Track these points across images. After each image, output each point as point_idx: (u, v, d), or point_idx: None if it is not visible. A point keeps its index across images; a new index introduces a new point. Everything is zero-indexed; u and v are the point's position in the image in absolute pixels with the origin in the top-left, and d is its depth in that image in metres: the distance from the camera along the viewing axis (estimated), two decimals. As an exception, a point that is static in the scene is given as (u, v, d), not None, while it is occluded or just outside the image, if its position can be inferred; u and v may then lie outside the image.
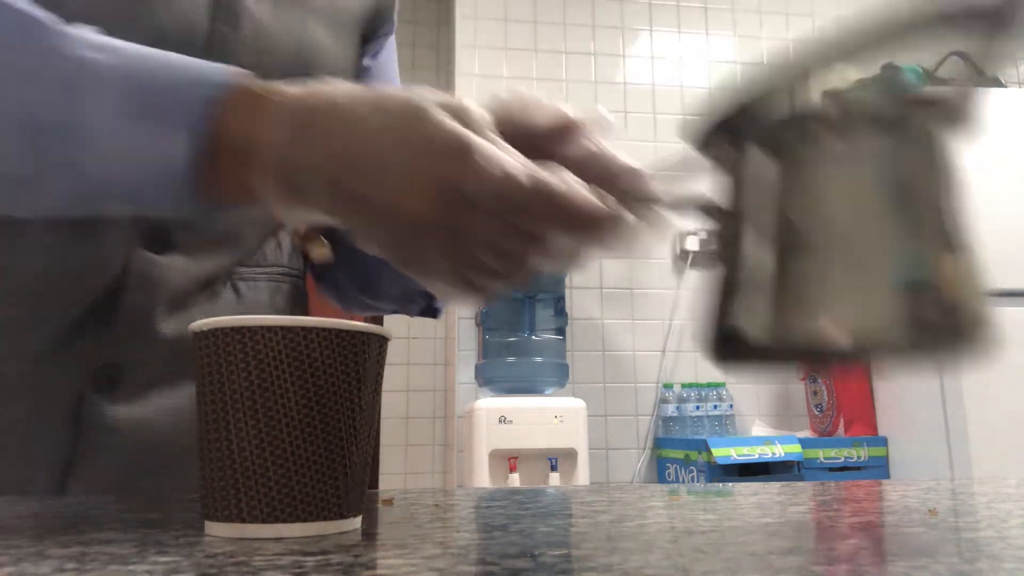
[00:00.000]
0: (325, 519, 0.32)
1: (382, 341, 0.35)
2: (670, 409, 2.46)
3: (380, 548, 0.29)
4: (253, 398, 0.31)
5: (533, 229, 0.37)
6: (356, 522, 0.34)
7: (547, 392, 2.27)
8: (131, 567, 0.25)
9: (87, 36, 0.41)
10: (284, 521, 0.31)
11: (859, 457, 2.21)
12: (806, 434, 2.43)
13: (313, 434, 0.32)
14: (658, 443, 2.48)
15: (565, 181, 0.36)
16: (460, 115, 0.37)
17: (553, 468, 2.09)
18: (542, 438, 2.08)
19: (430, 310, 0.73)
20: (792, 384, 2.60)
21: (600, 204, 0.37)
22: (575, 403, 2.14)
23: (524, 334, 2.30)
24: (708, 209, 0.38)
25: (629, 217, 0.39)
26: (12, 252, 0.54)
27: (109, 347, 0.55)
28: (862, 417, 2.32)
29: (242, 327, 0.32)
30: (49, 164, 0.40)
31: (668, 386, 2.51)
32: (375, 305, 0.75)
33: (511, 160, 0.36)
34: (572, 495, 0.48)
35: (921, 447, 2.12)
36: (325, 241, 0.65)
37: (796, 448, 2.12)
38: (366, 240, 0.38)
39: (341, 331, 0.33)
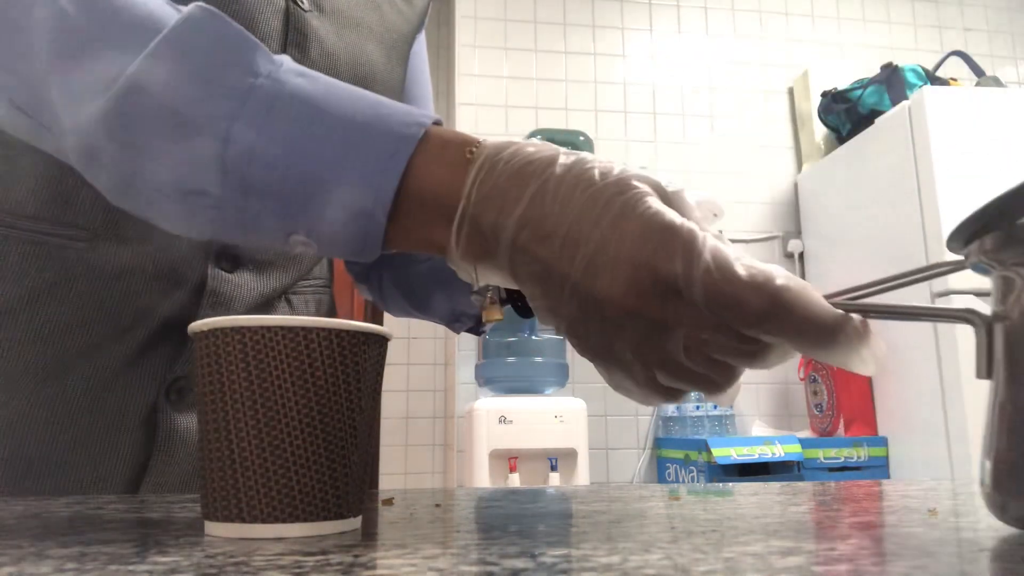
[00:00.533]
0: (325, 519, 0.32)
1: (382, 341, 0.35)
2: (670, 409, 2.46)
3: (380, 548, 0.29)
4: (253, 398, 0.31)
5: (753, 333, 0.31)
6: (356, 522, 0.34)
7: (547, 392, 2.27)
8: (131, 567, 0.25)
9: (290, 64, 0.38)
10: (284, 521, 0.31)
11: (859, 457, 2.21)
12: (806, 434, 2.43)
13: (313, 434, 0.32)
14: (658, 443, 2.48)
15: (793, 280, 0.31)
16: (674, 202, 0.34)
17: (553, 468, 2.09)
18: (542, 438, 2.07)
19: (475, 329, 0.73)
20: (792, 384, 2.60)
21: (835, 311, 0.31)
22: (575, 403, 2.14)
23: (524, 334, 2.30)
24: (972, 319, 0.32)
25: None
26: (93, 274, 0.55)
27: (182, 361, 0.58)
28: (862, 417, 2.32)
29: (242, 327, 0.32)
30: (256, 193, 0.36)
31: (668, 386, 2.51)
32: (420, 316, 0.76)
33: (734, 254, 0.31)
34: (572, 495, 0.48)
35: (921, 447, 2.12)
36: (501, 308, 0.63)
37: (796, 448, 2.12)
38: (547, 316, 0.35)
39: (341, 331, 0.33)
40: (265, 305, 0.63)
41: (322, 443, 0.32)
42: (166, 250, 0.56)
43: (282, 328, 0.32)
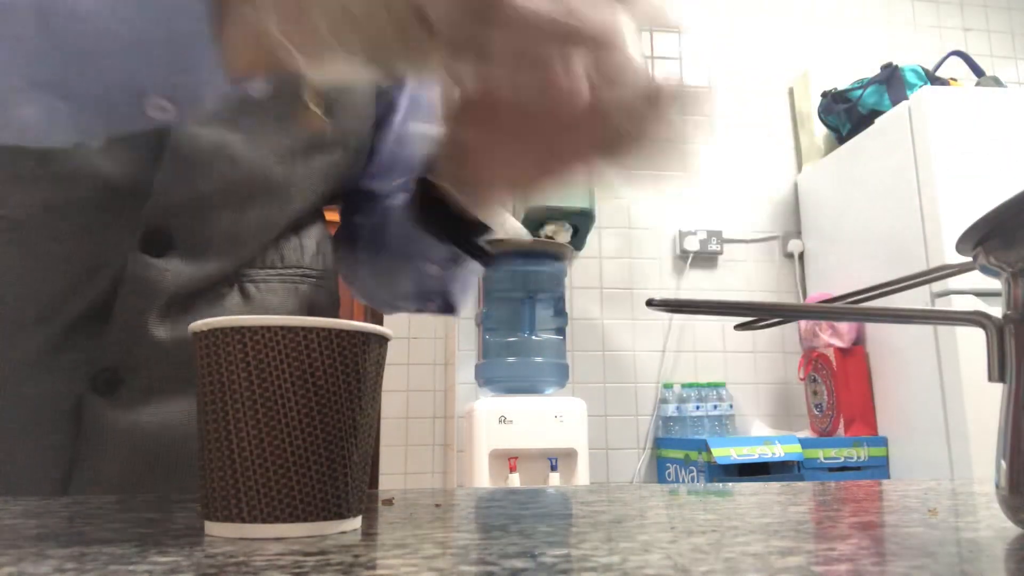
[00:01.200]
0: (325, 519, 0.32)
1: (382, 341, 0.35)
2: (670, 409, 2.46)
3: (380, 548, 0.29)
4: (253, 398, 0.31)
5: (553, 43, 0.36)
6: (356, 522, 0.34)
7: (547, 392, 2.27)
8: (131, 567, 0.25)
9: None
10: (284, 521, 0.31)
11: (859, 457, 2.21)
12: (806, 434, 2.43)
13: (313, 434, 0.32)
14: (658, 443, 2.48)
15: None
16: None
17: (553, 468, 2.09)
18: (542, 438, 2.07)
19: (447, 306, 0.74)
20: (792, 384, 2.60)
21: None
22: (575, 403, 2.14)
23: (524, 334, 2.30)
24: (982, 321, 0.32)
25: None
26: (8, 254, 0.54)
27: (107, 351, 0.55)
28: (862, 417, 2.32)
29: (242, 327, 0.32)
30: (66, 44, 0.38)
31: (668, 386, 2.51)
32: (399, 305, 0.77)
33: None
34: (572, 495, 0.48)
35: (921, 447, 2.12)
36: (318, 111, 0.63)
37: (796, 448, 2.12)
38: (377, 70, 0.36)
39: (341, 331, 0.33)
40: (207, 292, 0.59)
41: (322, 443, 0.32)
42: (89, 233, 0.55)
43: (282, 328, 0.32)
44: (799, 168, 2.79)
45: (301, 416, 0.32)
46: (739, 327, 0.42)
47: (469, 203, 0.52)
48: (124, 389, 0.55)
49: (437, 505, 0.43)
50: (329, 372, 0.32)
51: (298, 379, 0.32)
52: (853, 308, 0.32)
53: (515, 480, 2.05)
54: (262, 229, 0.63)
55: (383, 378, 0.36)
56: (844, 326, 2.35)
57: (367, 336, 0.34)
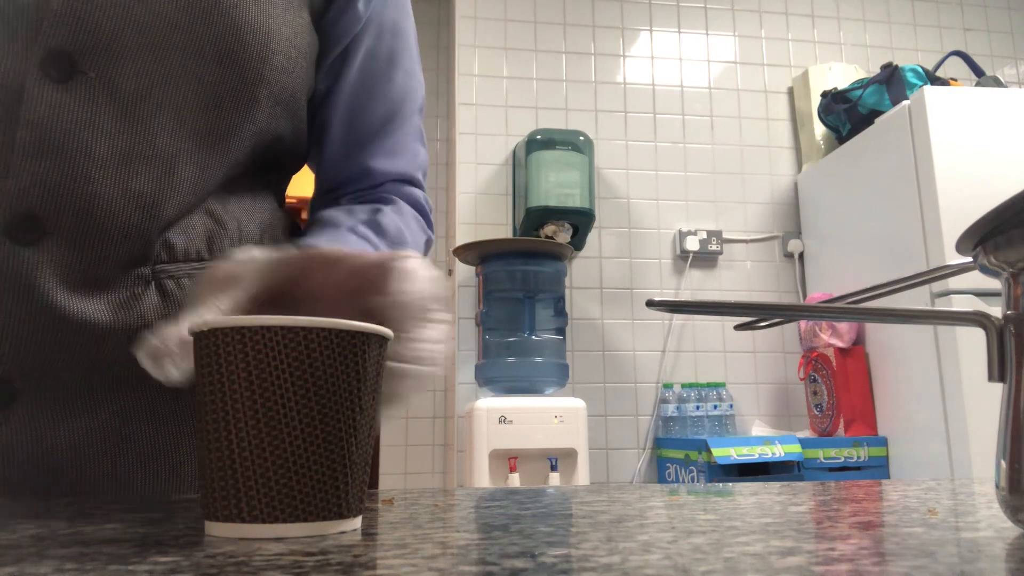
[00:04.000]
0: (325, 519, 0.32)
1: (382, 341, 0.35)
2: (670, 409, 2.46)
3: (380, 548, 0.29)
4: (253, 398, 0.31)
5: None
6: (356, 522, 0.34)
7: (547, 392, 2.27)
8: (131, 567, 0.24)
9: None
10: (284, 521, 0.31)
11: (859, 457, 2.21)
12: (806, 434, 2.43)
13: (313, 434, 0.32)
14: (658, 443, 2.48)
15: None
16: None
17: (553, 468, 2.09)
18: (542, 438, 2.08)
19: None
20: (792, 384, 2.60)
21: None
22: (575, 403, 2.14)
23: (524, 334, 2.30)
24: (983, 322, 0.32)
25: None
26: None
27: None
28: (862, 417, 2.32)
29: (242, 327, 0.32)
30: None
31: (668, 386, 2.51)
32: None
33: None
34: (572, 495, 0.48)
35: (921, 447, 2.12)
36: None
37: (796, 448, 2.13)
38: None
39: (341, 331, 0.33)
40: (107, 291, 0.53)
41: (322, 443, 0.32)
42: None
43: (282, 328, 0.32)
44: (799, 168, 2.80)
45: (301, 416, 0.32)
46: (739, 327, 0.42)
47: None
48: (21, 402, 0.51)
49: (437, 505, 0.43)
50: (329, 372, 0.32)
51: (298, 379, 0.32)
52: (853, 308, 0.32)
53: (515, 480, 2.05)
54: (173, 195, 0.55)
55: (383, 377, 0.36)
56: (844, 326, 2.35)
57: (367, 336, 0.34)
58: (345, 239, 0.60)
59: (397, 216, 0.67)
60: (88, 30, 0.51)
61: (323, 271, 0.46)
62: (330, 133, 0.69)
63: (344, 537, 0.31)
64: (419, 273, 0.43)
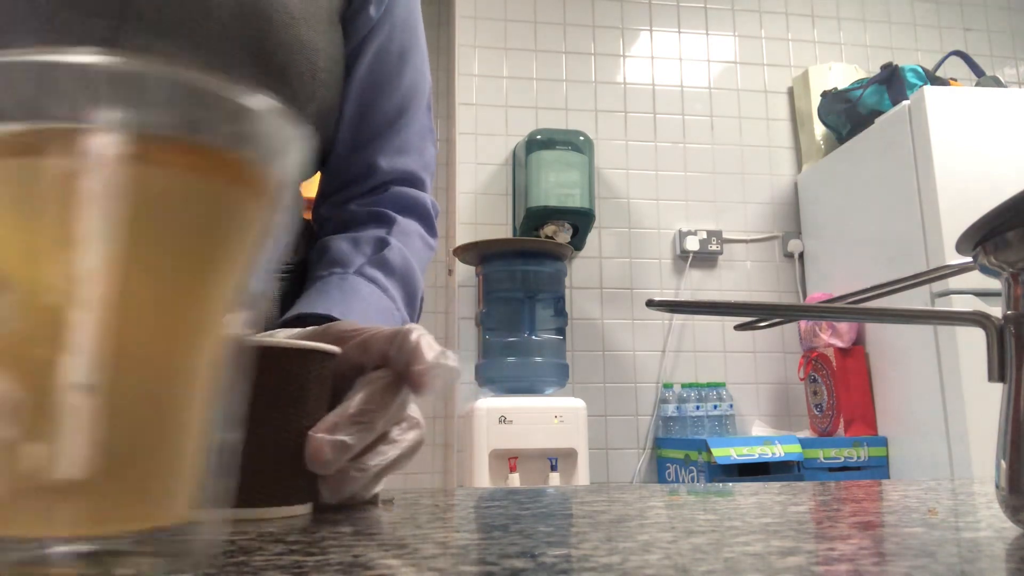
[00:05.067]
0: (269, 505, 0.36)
1: (324, 357, 0.39)
2: (670, 409, 2.46)
3: (380, 548, 0.29)
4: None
5: None
6: (292, 511, 0.37)
7: (547, 392, 2.27)
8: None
9: None
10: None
11: (859, 457, 2.21)
12: (806, 434, 2.43)
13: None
14: (658, 443, 2.48)
15: None
16: None
17: (553, 468, 2.09)
18: (542, 438, 2.08)
19: None
20: (792, 384, 2.60)
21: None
22: (575, 403, 2.14)
23: (524, 334, 2.30)
24: (983, 322, 0.32)
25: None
26: None
27: None
28: (862, 417, 2.32)
29: None
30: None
31: (668, 386, 2.51)
32: None
33: None
34: (572, 495, 0.48)
35: (921, 447, 2.12)
36: None
37: (796, 448, 2.13)
38: None
39: (288, 349, 0.38)
40: None
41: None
42: None
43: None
44: (799, 168, 2.80)
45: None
46: (739, 327, 0.42)
47: None
48: None
49: (437, 505, 0.43)
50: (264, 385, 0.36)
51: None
52: (853, 308, 0.32)
53: (515, 480, 2.05)
54: None
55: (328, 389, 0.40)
56: (844, 326, 2.35)
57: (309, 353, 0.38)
58: (355, 288, 0.60)
59: (402, 244, 0.67)
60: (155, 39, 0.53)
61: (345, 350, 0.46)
62: (339, 130, 0.69)
63: (344, 537, 0.31)
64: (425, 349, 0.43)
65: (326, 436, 0.37)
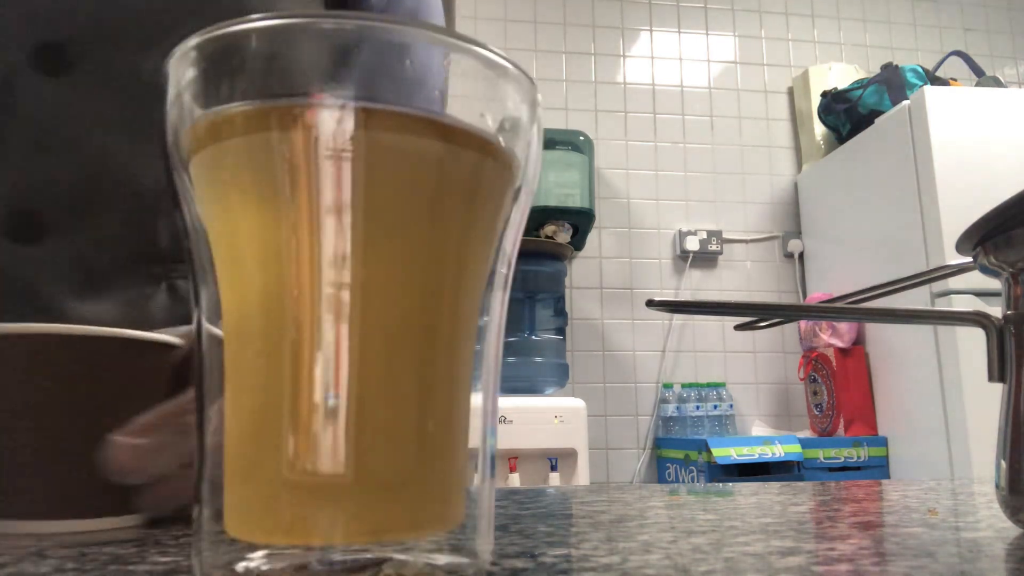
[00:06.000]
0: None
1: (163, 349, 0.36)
2: (670, 409, 2.46)
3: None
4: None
5: None
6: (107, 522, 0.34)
7: (547, 392, 2.27)
8: (131, 567, 0.24)
9: None
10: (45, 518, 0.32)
11: (859, 457, 2.21)
12: (806, 434, 2.43)
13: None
14: (658, 443, 2.48)
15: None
16: None
17: (553, 468, 2.09)
18: (542, 438, 2.07)
19: None
20: (792, 384, 2.60)
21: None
22: (575, 403, 2.14)
23: (524, 334, 2.30)
24: (982, 322, 0.32)
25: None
26: None
27: None
28: (862, 417, 2.32)
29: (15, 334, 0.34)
30: None
31: (668, 386, 2.51)
32: None
33: None
34: (572, 495, 0.48)
35: (921, 447, 2.12)
36: None
37: (796, 448, 2.13)
38: None
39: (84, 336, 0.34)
40: (113, 290, 0.50)
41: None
42: None
43: (58, 336, 0.33)
44: (799, 168, 2.80)
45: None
46: (739, 327, 0.42)
47: None
48: None
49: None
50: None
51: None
52: (853, 308, 0.32)
53: (515, 480, 2.05)
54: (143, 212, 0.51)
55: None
56: (844, 326, 2.35)
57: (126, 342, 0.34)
58: None
59: None
60: (82, 20, 0.49)
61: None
62: None
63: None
64: None
65: (125, 439, 0.31)
